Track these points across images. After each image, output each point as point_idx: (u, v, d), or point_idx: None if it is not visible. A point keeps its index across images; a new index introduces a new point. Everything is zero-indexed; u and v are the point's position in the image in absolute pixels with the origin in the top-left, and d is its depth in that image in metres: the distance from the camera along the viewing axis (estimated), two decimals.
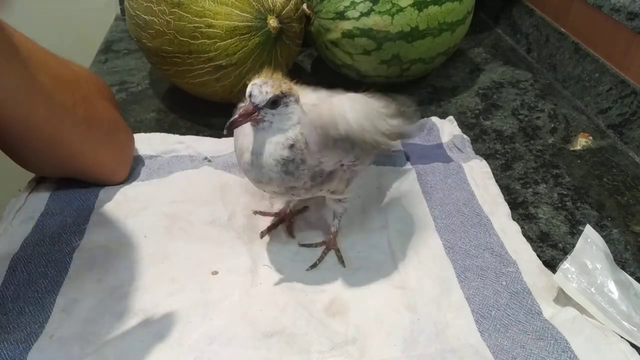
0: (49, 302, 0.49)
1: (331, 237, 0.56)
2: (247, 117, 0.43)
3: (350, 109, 0.46)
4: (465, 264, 0.54)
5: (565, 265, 0.51)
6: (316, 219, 0.59)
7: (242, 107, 0.43)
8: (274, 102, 0.43)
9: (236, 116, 0.43)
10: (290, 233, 0.58)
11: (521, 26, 0.96)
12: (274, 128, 0.44)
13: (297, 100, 0.44)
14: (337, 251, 0.55)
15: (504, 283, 0.52)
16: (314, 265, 0.54)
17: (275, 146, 0.44)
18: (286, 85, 0.44)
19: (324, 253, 0.55)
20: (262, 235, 0.57)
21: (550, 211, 0.61)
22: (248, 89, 0.43)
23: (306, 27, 0.76)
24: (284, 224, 0.58)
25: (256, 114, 0.43)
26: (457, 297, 0.51)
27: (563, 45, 0.84)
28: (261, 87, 0.42)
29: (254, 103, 0.43)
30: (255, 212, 0.60)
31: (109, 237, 0.56)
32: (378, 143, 0.48)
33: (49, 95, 0.52)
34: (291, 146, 0.44)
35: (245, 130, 0.46)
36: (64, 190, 0.61)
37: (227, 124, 0.43)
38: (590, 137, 0.73)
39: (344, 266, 0.54)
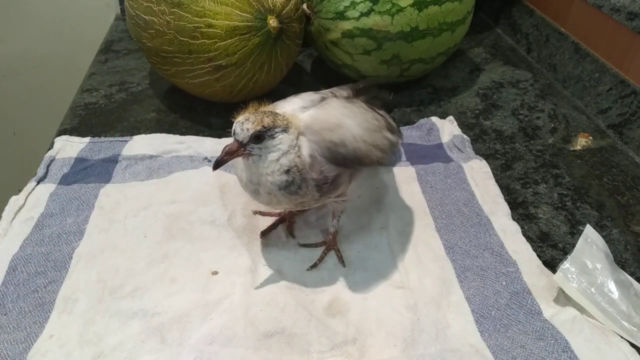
0: (49, 302, 0.49)
1: (331, 237, 0.56)
2: (232, 154, 0.44)
3: (355, 127, 0.48)
4: (465, 264, 0.54)
5: (566, 265, 0.51)
6: (316, 219, 0.59)
7: (228, 145, 0.44)
8: (257, 137, 0.44)
9: (222, 154, 0.44)
10: (290, 233, 0.58)
11: (521, 26, 0.96)
12: (263, 159, 0.45)
13: (285, 130, 0.45)
14: (337, 251, 0.55)
15: (504, 283, 0.52)
16: (314, 265, 0.54)
17: (272, 175, 0.45)
18: (269, 118, 0.44)
19: (324, 253, 0.55)
20: (262, 235, 0.57)
21: (550, 211, 0.61)
22: (233, 127, 0.44)
23: (306, 27, 0.76)
24: (284, 224, 0.58)
25: (242, 149, 0.44)
26: (457, 297, 0.51)
27: (563, 45, 0.84)
28: (242, 124, 0.44)
29: (237, 140, 0.44)
30: (255, 212, 0.60)
31: (109, 237, 0.56)
32: (379, 159, 0.50)
33: None
34: (287, 171, 0.45)
35: (241, 164, 0.47)
36: (64, 190, 0.61)
37: (214, 163, 0.44)
38: (590, 137, 0.73)
39: (344, 266, 0.54)
